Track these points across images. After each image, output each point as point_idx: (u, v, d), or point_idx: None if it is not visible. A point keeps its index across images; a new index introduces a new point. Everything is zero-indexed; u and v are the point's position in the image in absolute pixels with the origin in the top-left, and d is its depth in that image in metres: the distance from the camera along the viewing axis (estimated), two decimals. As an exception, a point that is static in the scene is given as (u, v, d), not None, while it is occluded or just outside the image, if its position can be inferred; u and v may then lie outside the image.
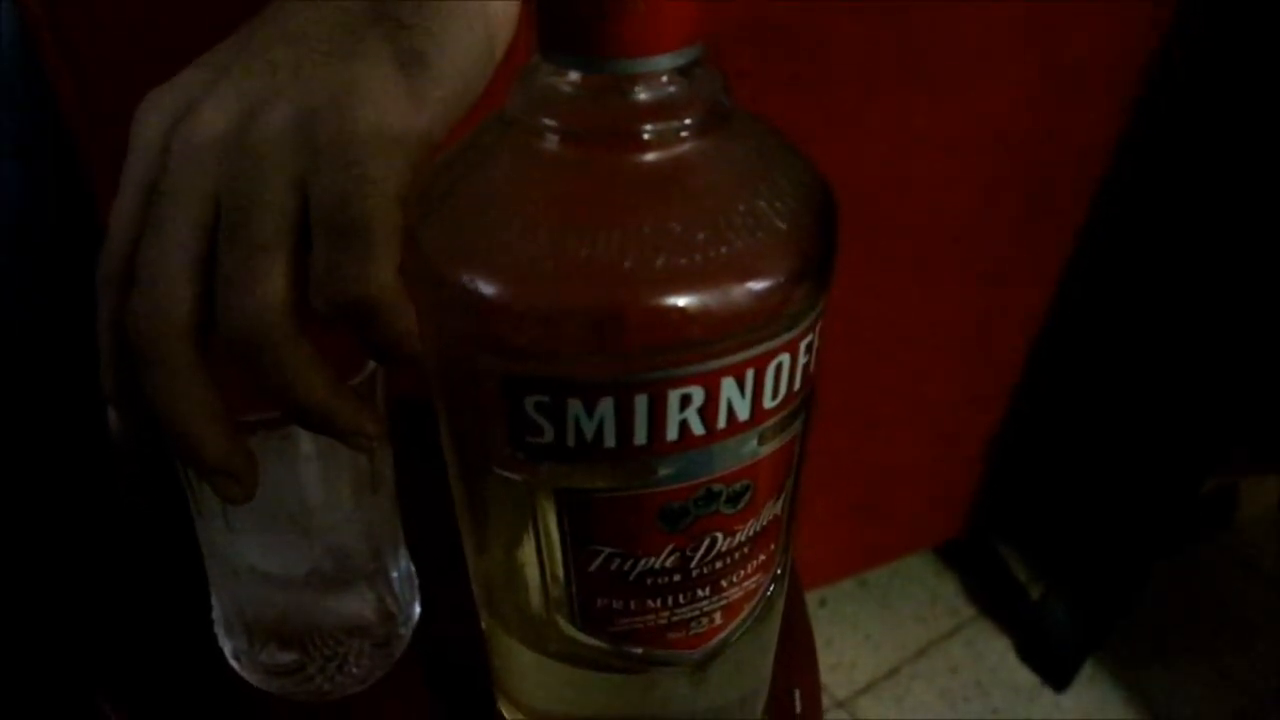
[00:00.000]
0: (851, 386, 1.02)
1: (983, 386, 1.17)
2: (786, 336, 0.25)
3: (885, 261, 0.94)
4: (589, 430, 0.24)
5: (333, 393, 0.31)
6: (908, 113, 0.85)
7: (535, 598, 0.28)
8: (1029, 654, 1.38)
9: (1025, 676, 1.36)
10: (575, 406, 0.23)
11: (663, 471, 0.25)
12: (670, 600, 0.28)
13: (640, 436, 0.24)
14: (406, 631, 0.46)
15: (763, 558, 0.29)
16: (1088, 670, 1.35)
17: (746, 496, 0.27)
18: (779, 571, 0.31)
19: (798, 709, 0.47)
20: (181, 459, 0.32)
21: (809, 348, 0.26)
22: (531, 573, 0.28)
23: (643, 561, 0.26)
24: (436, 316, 0.26)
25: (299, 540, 0.41)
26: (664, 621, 0.28)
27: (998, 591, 1.46)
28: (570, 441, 0.24)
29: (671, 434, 0.24)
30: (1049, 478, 1.32)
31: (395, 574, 0.44)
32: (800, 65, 0.78)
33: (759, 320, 0.24)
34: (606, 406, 0.23)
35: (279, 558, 0.41)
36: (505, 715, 0.36)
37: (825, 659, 1.32)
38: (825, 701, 1.29)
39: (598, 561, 0.26)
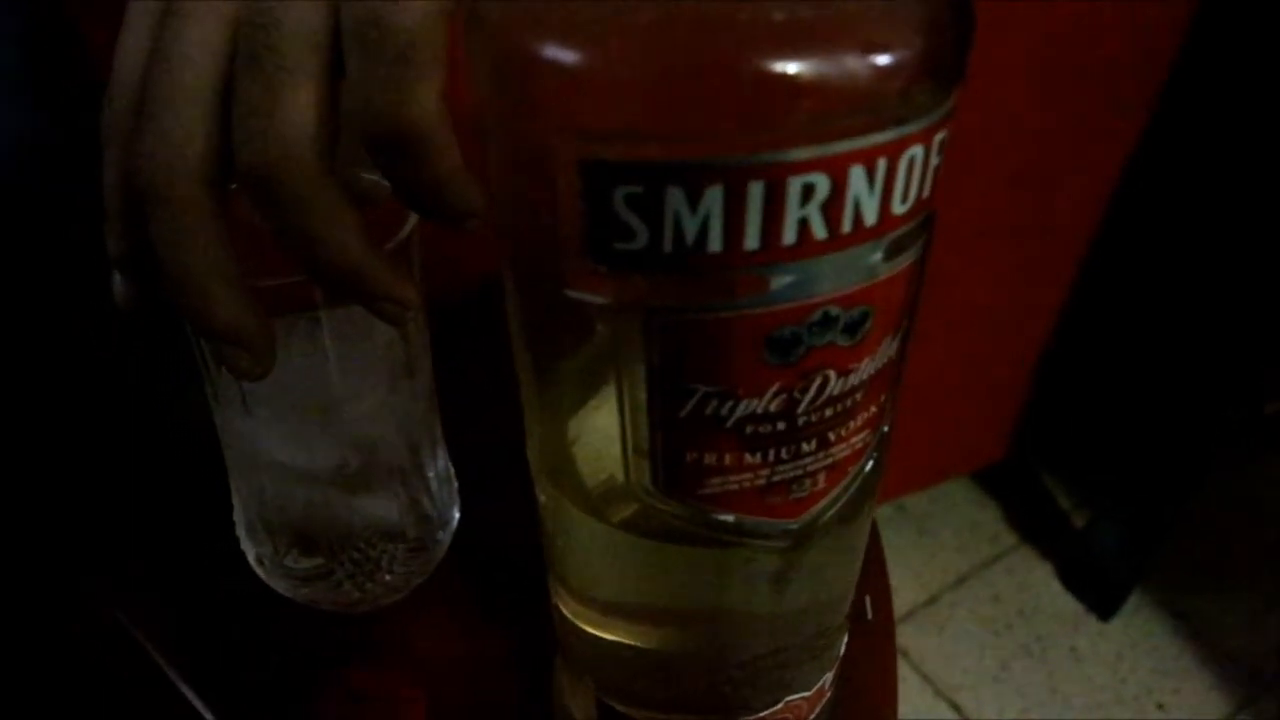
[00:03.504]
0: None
1: (1027, 301, 1.13)
2: (921, 124, 0.21)
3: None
4: (691, 230, 0.20)
5: (364, 247, 0.27)
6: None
7: (611, 457, 0.24)
8: (1073, 582, 1.36)
9: (1069, 605, 1.34)
10: (676, 198, 0.19)
11: (776, 284, 0.21)
12: (772, 454, 0.24)
13: (752, 239, 0.20)
14: (445, 537, 0.42)
15: (873, 410, 0.25)
16: (1133, 599, 1.33)
17: (865, 326, 0.22)
18: (885, 429, 0.27)
19: (869, 615, 0.44)
20: (189, 322, 0.28)
21: (941, 147, 0.22)
22: (608, 425, 0.24)
23: (743, 404, 0.22)
24: (503, 105, 0.22)
25: (325, 431, 0.37)
26: (762, 481, 0.24)
27: (1039, 519, 1.43)
28: (667, 246, 0.20)
29: (789, 236, 0.20)
30: (1093, 399, 1.28)
31: (432, 473, 0.40)
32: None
33: (892, 96, 0.20)
34: (714, 198, 0.19)
35: (303, 450, 0.37)
36: (563, 611, 0.32)
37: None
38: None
39: (690, 405, 0.22)
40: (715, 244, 0.20)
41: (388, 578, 0.40)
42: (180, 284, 0.26)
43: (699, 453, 0.23)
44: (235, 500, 0.40)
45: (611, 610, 0.30)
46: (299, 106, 0.25)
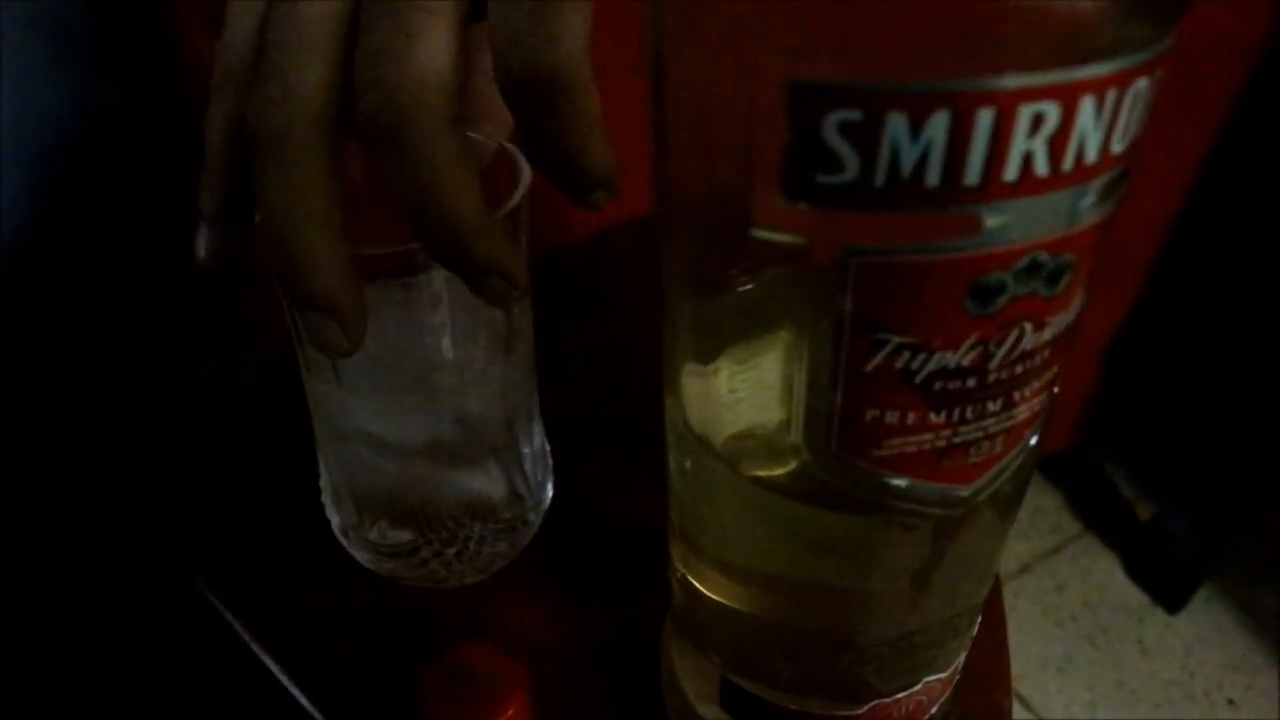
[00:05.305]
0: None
1: (1095, 292, 1.11)
2: (1147, 54, 0.19)
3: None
4: (908, 161, 0.18)
5: (481, 210, 0.25)
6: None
7: (778, 414, 0.23)
8: (1138, 574, 1.33)
9: (1134, 596, 1.31)
10: (897, 125, 0.18)
11: (990, 224, 0.19)
12: (958, 414, 0.22)
13: (973, 173, 0.18)
14: (536, 518, 0.40)
15: (1055, 370, 0.23)
16: (1200, 592, 1.30)
17: (1066, 277, 0.21)
18: (1055, 390, 0.25)
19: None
20: (282, 284, 0.26)
21: (1157, 84, 0.20)
22: (776, 379, 0.22)
23: (936, 357, 0.21)
24: (695, 27, 0.20)
25: (420, 405, 0.36)
26: (943, 443, 0.23)
27: (1103, 508, 1.41)
28: (879, 179, 0.18)
29: (1010, 172, 0.18)
30: (1162, 390, 1.25)
31: (528, 450, 0.39)
32: None
33: (1120, 22, 0.18)
34: (938, 126, 0.18)
35: (396, 423, 0.36)
36: (694, 584, 0.31)
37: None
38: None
39: (880, 357, 0.21)
40: (933, 178, 0.18)
41: (476, 557, 0.39)
42: (281, 239, 0.24)
43: (880, 410, 0.22)
44: (322, 468, 0.38)
45: (755, 582, 0.28)
46: (434, 51, 0.23)
